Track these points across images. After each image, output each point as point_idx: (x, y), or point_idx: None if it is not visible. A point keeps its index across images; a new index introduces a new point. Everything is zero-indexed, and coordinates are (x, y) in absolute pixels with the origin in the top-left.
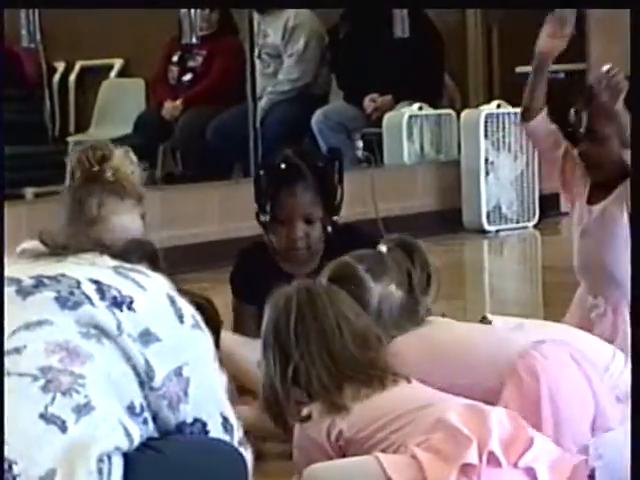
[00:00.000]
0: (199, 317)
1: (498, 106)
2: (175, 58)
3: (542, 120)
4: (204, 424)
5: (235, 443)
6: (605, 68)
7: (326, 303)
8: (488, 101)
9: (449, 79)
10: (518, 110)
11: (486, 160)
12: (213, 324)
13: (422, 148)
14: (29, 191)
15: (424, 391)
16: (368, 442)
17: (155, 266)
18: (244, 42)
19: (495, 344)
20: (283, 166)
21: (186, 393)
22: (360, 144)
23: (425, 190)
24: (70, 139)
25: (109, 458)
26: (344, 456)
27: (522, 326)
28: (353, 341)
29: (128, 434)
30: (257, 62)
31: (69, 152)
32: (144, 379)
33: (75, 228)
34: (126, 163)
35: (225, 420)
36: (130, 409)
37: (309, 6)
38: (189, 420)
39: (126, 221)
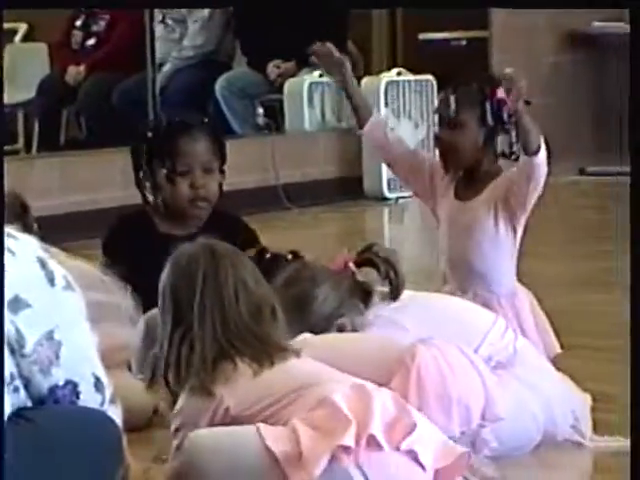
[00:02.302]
0: (70, 277)
1: (399, 74)
2: (79, 22)
3: (379, 125)
4: (76, 385)
5: (107, 401)
6: (508, 70)
7: (228, 268)
8: (391, 68)
9: (352, 46)
10: (420, 78)
11: None
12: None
13: (323, 115)
14: None
15: (314, 367)
16: (255, 419)
17: (24, 221)
18: None
19: (383, 343)
20: (177, 119)
21: (57, 356)
22: (260, 110)
23: (326, 157)
24: None
25: None
26: None
27: (414, 298)
28: (248, 311)
29: None
30: (161, 27)
31: None
32: (15, 347)
33: None
34: None
35: (97, 380)
36: None
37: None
38: (61, 382)
39: None
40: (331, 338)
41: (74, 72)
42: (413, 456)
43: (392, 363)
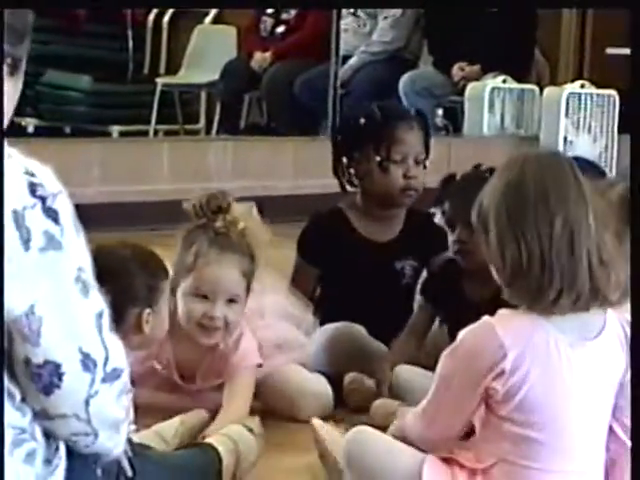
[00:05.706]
0: (56, 229)
1: (582, 86)
2: (269, 9)
3: None
4: (58, 366)
5: (97, 380)
6: None
7: (577, 185)
8: (576, 80)
9: (539, 54)
10: (602, 92)
11: (565, 139)
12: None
13: (502, 121)
14: (115, 129)
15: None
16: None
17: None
18: None
19: None
20: (394, 108)
21: (39, 334)
22: (440, 111)
23: (502, 162)
24: (159, 80)
25: None
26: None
27: None
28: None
29: None
30: (352, 19)
31: (157, 93)
32: None
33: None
34: (244, 219)
35: (86, 357)
36: None
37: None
38: (40, 362)
39: (222, 274)
40: None
41: (260, 58)
42: None
43: None
